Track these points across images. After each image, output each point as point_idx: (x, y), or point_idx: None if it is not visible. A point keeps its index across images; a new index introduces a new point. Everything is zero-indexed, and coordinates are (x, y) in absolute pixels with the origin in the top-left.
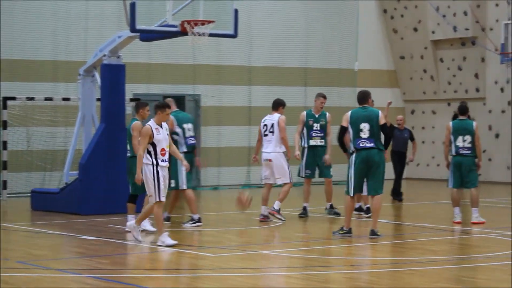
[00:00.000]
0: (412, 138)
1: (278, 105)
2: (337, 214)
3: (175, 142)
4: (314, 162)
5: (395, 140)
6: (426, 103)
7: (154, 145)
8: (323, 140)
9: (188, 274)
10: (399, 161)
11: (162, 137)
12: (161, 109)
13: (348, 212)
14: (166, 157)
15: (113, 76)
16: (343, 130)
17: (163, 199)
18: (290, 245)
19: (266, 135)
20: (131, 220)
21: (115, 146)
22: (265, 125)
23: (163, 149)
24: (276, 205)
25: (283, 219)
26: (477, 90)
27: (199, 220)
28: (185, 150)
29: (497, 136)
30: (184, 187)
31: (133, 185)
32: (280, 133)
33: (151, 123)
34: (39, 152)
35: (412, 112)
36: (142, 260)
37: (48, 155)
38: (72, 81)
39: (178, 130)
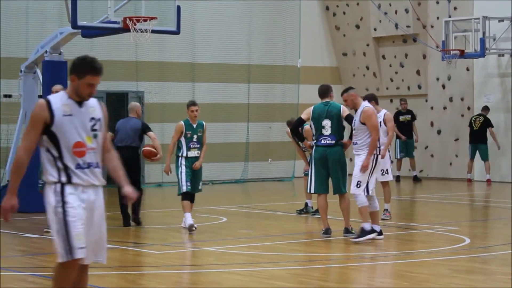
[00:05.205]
0: None
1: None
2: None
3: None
4: None
5: None
6: None
7: None
8: None
9: (133, 272)
10: None
11: None
12: None
13: (321, 212)
14: None
15: (54, 72)
16: (300, 122)
17: None
18: (234, 241)
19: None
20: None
21: None
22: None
23: None
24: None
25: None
26: (419, 87)
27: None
28: None
29: (439, 132)
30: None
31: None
32: None
33: None
34: None
35: None
36: None
37: None
38: (13, 78)
39: None
